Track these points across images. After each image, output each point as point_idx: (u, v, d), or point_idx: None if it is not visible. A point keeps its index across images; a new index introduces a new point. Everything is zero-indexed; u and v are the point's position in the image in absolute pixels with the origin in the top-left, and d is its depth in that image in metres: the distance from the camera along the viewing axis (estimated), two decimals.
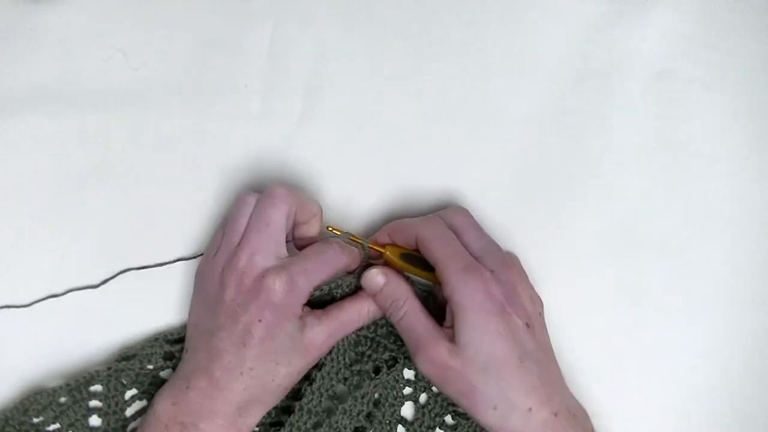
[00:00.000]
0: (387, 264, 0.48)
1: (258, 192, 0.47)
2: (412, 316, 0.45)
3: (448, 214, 0.47)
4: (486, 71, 0.53)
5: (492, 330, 0.42)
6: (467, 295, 0.42)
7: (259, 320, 0.43)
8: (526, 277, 0.47)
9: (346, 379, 0.48)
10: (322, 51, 0.53)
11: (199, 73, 0.53)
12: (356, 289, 0.48)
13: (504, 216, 0.51)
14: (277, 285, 0.44)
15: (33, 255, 0.51)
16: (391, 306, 0.46)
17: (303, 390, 0.47)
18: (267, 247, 0.45)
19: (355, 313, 0.46)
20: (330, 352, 0.47)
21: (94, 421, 0.48)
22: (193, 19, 0.53)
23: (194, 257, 0.50)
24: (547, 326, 0.46)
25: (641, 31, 0.53)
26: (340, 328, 0.46)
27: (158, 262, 0.51)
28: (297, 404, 0.47)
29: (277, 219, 0.45)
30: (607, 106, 0.53)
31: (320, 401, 0.47)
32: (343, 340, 0.47)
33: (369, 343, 0.48)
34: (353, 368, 0.48)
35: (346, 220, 0.51)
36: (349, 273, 0.48)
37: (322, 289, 0.47)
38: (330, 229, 0.48)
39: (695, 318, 0.51)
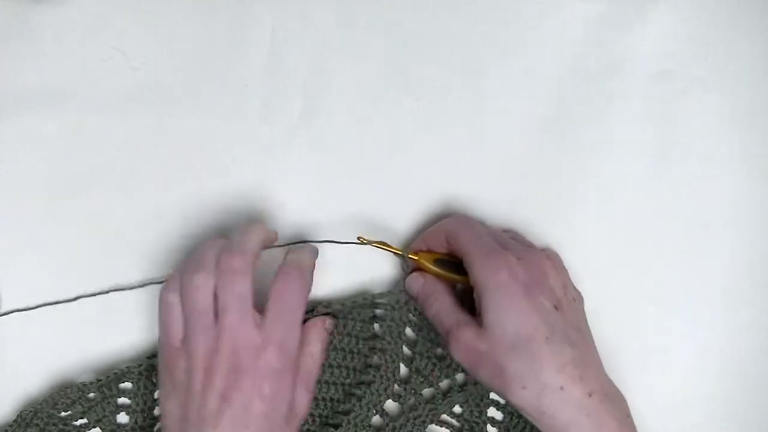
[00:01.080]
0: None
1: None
2: (442, 309, 0.45)
3: (453, 221, 0.48)
4: (486, 71, 0.53)
5: (516, 309, 0.41)
6: (490, 276, 0.42)
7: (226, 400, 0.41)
8: (565, 271, 0.47)
9: (399, 396, 0.48)
10: (322, 51, 0.53)
11: (199, 73, 0.53)
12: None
13: (503, 216, 0.51)
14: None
15: (33, 255, 0.51)
16: (426, 303, 0.46)
17: (352, 405, 0.48)
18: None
19: (310, 358, 0.46)
20: (379, 370, 0.48)
21: (122, 418, 0.49)
22: (193, 19, 0.53)
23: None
24: None
25: (641, 31, 0.53)
26: (306, 380, 0.46)
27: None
28: (345, 419, 0.48)
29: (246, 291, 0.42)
30: (607, 106, 0.53)
31: (368, 416, 0.48)
32: (395, 358, 0.48)
33: (425, 363, 0.48)
34: (407, 386, 0.48)
35: (346, 219, 0.51)
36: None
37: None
38: (360, 239, 0.48)
39: (695, 318, 0.51)
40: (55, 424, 0.47)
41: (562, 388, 0.40)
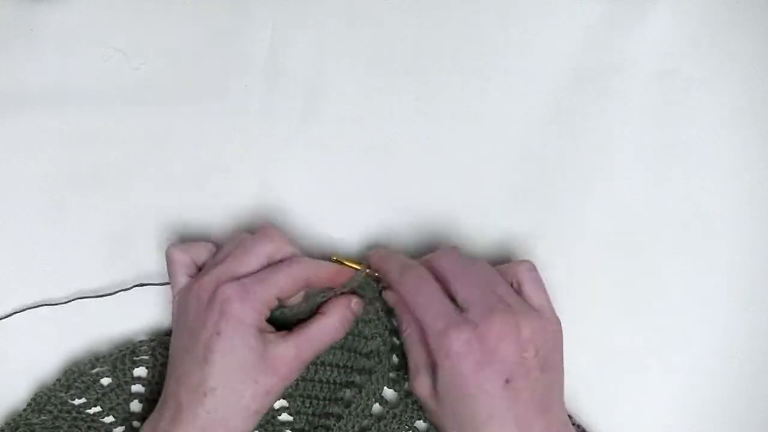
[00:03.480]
0: None
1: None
2: (409, 342, 0.45)
3: (435, 258, 0.46)
4: (486, 71, 0.53)
5: (461, 392, 0.42)
6: (443, 358, 0.42)
7: (217, 333, 0.42)
8: (524, 308, 0.43)
9: (396, 383, 0.48)
10: (322, 51, 0.53)
11: (199, 73, 0.53)
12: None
13: (503, 216, 0.51)
14: (228, 291, 0.42)
15: (33, 255, 0.51)
16: (400, 325, 0.46)
17: (352, 396, 0.48)
18: (235, 270, 0.44)
19: (324, 328, 0.45)
20: (379, 361, 0.47)
21: (135, 406, 0.49)
22: (193, 19, 0.53)
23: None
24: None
25: (641, 31, 0.53)
26: (310, 343, 0.45)
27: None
28: (346, 411, 0.48)
29: (258, 252, 0.45)
30: (607, 106, 0.53)
31: (368, 405, 0.48)
32: (386, 349, 0.47)
33: None
34: (400, 373, 0.48)
35: (346, 220, 0.51)
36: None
37: (290, 308, 0.45)
38: (334, 258, 0.47)
39: (695, 318, 0.51)
40: (68, 412, 0.47)
41: None
